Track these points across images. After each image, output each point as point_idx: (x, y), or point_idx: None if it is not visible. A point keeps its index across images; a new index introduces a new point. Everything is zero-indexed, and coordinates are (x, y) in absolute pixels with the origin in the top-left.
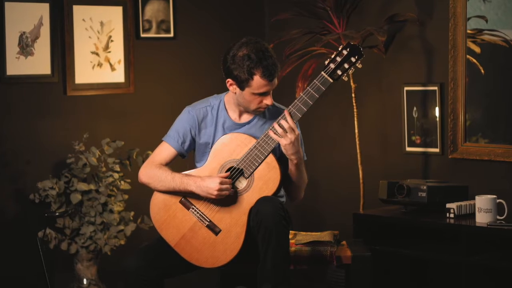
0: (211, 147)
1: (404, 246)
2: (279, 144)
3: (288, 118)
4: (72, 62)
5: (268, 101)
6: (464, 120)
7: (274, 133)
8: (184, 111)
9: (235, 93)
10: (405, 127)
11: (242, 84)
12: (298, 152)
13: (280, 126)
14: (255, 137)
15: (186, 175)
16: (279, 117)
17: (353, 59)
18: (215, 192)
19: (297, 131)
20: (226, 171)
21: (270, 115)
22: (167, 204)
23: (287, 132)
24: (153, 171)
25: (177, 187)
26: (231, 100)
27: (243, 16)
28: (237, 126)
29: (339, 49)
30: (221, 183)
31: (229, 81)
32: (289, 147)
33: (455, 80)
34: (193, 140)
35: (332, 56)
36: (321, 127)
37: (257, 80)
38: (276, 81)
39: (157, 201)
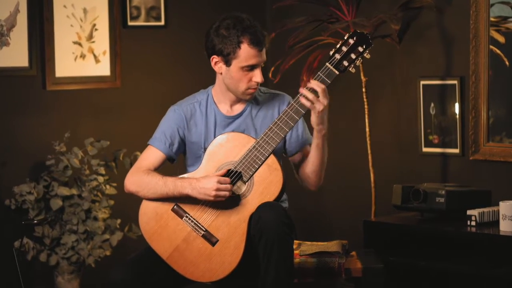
0: (204, 147)
1: (420, 257)
2: (280, 145)
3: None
4: (52, 54)
5: (257, 78)
6: (486, 118)
7: (305, 99)
8: (170, 110)
9: (221, 73)
10: (422, 126)
11: (229, 57)
12: (325, 122)
13: (311, 90)
14: (254, 137)
15: (180, 178)
16: (305, 87)
17: (360, 49)
18: (213, 193)
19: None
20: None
21: (263, 102)
22: (158, 212)
23: (319, 97)
24: (141, 178)
25: (170, 192)
26: (219, 90)
27: (241, 2)
28: (230, 119)
29: (345, 37)
30: (218, 182)
31: (214, 58)
32: (321, 115)
33: (476, 73)
34: (182, 142)
35: (338, 46)
36: (328, 125)
37: (245, 49)
38: (264, 54)
39: (147, 210)
